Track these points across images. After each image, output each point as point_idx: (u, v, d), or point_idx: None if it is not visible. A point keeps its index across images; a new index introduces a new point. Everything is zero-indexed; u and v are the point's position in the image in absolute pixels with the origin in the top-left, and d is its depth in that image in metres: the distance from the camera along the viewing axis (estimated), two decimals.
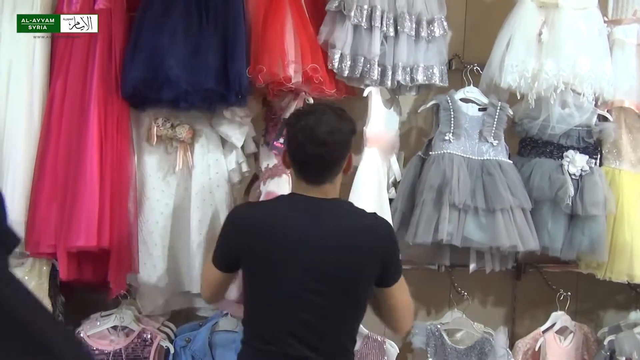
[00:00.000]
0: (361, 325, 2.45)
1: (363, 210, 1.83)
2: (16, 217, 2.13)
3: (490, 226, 2.36)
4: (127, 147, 2.24)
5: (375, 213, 1.85)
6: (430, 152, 2.44)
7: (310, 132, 1.71)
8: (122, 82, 2.17)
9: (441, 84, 2.42)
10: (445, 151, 2.42)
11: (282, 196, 1.91)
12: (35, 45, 2.20)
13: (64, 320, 2.39)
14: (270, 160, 2.30)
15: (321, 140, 1.70)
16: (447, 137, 2.44)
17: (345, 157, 1.79)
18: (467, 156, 2.44)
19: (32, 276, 2.27)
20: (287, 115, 2.30)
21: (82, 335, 2.34)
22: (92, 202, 2.09)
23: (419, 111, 2.51)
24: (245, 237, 1.77)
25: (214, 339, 2.38)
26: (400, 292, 1.87)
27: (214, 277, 1.87)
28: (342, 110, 1.83)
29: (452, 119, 2.45)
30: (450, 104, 2.47)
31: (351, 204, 1.90)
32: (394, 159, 2.49)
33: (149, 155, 2.30)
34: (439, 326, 2.58)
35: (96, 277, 2.24)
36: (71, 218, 2.10)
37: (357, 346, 2.47)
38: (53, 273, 2.32)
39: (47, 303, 2.29)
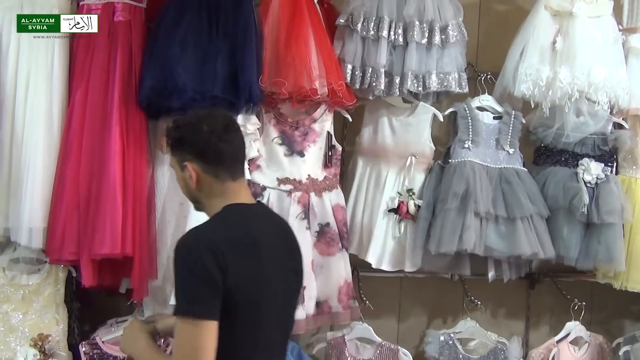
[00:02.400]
0: (374, 334, 2.49)
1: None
2: (35, 224, 2.17)
3: (510, 235, 2.37)
4: (145, 157, 2.27)
5: None
6: (450, 160, 2.45)
7: (220, 120, 1.63)
8: (138, 92, 2.21)
9: (459, 90, 2.40)
10: (465, 159, 2.43)
11: (221, 213, 1.62)
12: (55, 51, 2.24)
13: (80, 325, 2.42)
14: (296, 168, 2.36)
15: (233, 124, 1.66)
16: (466, 145, 2.44)
17: None
18: (486, 164, 2.45)
19: (49, 283, 2.31)
20: (324, 126, 2.41)
21: (97, 340, 2.37)
22: (116, 210, 2.13)
23: (441, 119, 2.50)
24: (220, 266, 1.48)
25: None
26: None
27: (205, 338, 1.46)
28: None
29: (470, 127, 2.45)
30: (467, 111, 2.48)
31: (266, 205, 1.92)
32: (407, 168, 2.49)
33: (160, 164, 2.34)
34: (452, 335, 2.57)
35: (115, 283, 2.27)
36: (95, 226, 2.13)
37: (371, 354, 2.48)
38: (69, 279, 2.35)
39: (63, 309, 2.32)
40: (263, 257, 1.58)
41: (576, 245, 2.45)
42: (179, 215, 2.32)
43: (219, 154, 1.60)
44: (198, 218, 2.20)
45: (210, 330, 1.46)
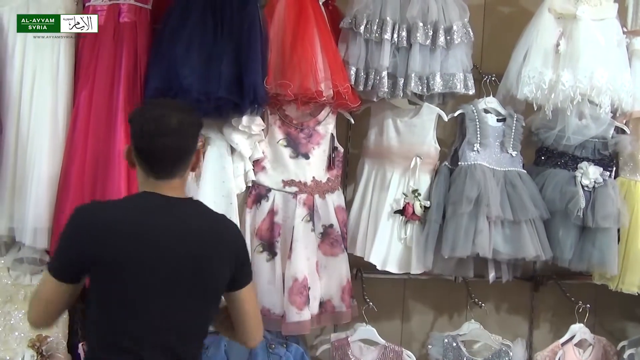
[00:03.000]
0: (378, 336, 2.48)
1: (213, 211, 1.80)
2: (40, 224, 2.17)
3: (515, 237, 2.38)
4: None
5: (224, 215, 1.82)
6: (459, 163, 2.45)
7: (159, 121, 1.64)
8: (144, 93, 2.22)
9: (465, 91, 2.39)
10: (475, 162, 2.43)
11: (132, 195, 1.78)
12: (60, 51, 2.24)
13: (83, 327, 2.41)
14: (301, 170, 2.36)
15: (171, 130, 1.65)
16: (475, 148, 2.45)
17: (194, 151, 1.73)
18: (492, 167, 2.46)
19: None
20: (328, 128, 2.40)
21: None
22: None
23: (446, 120, 2.50)
24: (96, 241, 1.61)
25: (230, 347, 2.38)
26: (251, 297, 1.81)
27: (52, 291, 1.63)
28: (186, 104, 1.86)
29: (479, 129, 2.46)
30: (475, 113, 2.48)
31: (203, 204, 1.81)
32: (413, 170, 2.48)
33: None
34: (456, 337, 2.56)
35: None
36: None
37: (375, 356, 2.47)
38: None
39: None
40: (144, 245, 1.62)
41: (571, 247, 2.45)
42: None
43: (143, 152, 1.67)
44: None
45: (56, 288, 1.63)
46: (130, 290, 1.63)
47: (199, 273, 1.68)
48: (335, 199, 2.44)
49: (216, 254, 1.70)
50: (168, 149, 1.66)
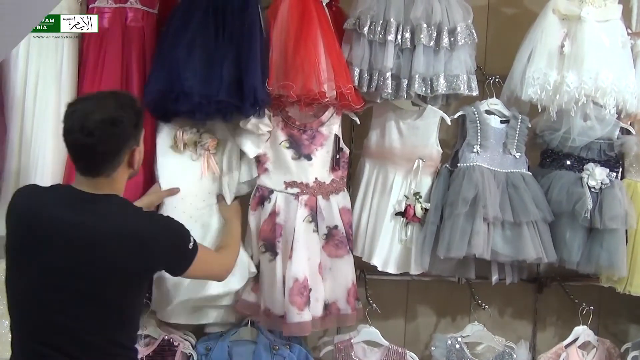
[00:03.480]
0: (382, 337, 2.48)
1: (136, 210, 1.73)
2: None
3: (516, 239, 2.37)
4: (153, 158, 2.28)
5: (152, 212, 1.74)
6: (459, 164, 2.45)
7: (81, 119, 1.60)
8: (144, 95, 2.21)
9: (468, 93, 2.38)
10: (474, 163, 2.43)
11: (54, 186, 1.81)
12: (64, 52, 2.25)
13: None
14: (303, 171, 2.36)
15: (90, 130, 1.59)
16: (475, 149, 2.44)
17: (123, 150, 1.67)
18: (493, 168, 2.46)
19: None
20: (332, 129, 2.39)
21: None
22: None
23: (449, 123, 2.48)
24: (7, 222, 1.70)
25: (234, 348, 2.39)
26: (199, 269, 1.80)
27: None
28: (131, 99, 1.74)
29: (479, 130, 2.45)
30: (476, 115, 2.48)
31: (124, 202, 1.72)
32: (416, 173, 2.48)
33: (169, 162, 2.33)
34: (459, 339, 2.56)
35: None
36: None
37: (378, 357, 2.47)
38: None
39: None
40: (39, 240, 1.63)
41: (578, 249, 2.45)
42: (182, 218, 2.32)
43: (67, 147, 1.67)
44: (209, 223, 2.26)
45: None
46: (21, 282, 1.63)
47: (92, 278, 1.61)
48: (340, 200, 2.44)
49: (117, 254, 1.62)
50: (87, 148, 1.62)
